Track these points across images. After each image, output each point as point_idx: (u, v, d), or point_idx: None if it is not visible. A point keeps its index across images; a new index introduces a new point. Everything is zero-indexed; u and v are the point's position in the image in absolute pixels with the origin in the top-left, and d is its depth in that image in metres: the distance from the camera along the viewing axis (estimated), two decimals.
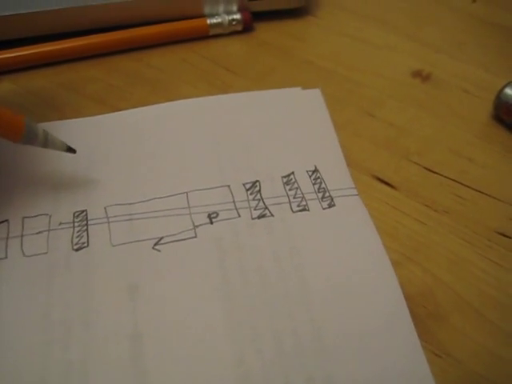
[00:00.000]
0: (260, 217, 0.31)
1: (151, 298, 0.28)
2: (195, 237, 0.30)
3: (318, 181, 0.32)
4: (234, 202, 0.31)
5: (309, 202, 0.31)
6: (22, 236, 0.30)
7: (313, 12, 0.45)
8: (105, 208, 0.31)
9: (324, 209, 0.31)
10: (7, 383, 0.25)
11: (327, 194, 0.32)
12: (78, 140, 0.34)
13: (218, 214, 0.31)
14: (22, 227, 0.31)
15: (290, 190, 0.32)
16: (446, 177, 0.34)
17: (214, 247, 0.30)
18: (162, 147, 0.34)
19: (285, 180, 0.32)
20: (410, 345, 0.26)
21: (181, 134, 0.35)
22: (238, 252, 0.29)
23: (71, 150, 0.31)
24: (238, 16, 0.42)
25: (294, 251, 0.29)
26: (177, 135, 0.35)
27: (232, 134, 0.35)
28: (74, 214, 0.31)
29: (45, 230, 0.31)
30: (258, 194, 0.32)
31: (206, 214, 0.31)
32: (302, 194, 0.32)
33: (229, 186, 0.32)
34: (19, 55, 0.39)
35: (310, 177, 0.33)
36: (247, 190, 0.32)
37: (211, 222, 0.31)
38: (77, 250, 0.30)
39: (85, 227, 0.31)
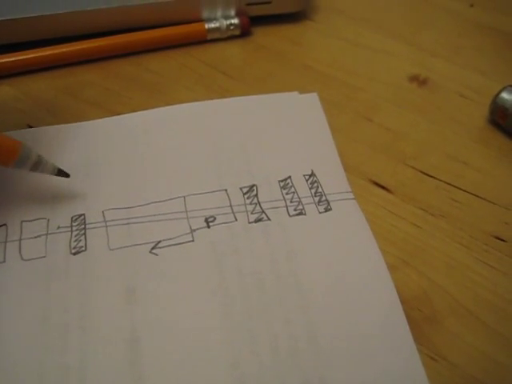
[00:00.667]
0: (257, 221, 0.31)
1: (148, 301, 0.28)
2: (192, 241, 0.30)
3: (315, 185, 0.33)
4: (231, 206, 0.32)
5: (305, 206, 0.32)
6: (20, 240, 0.30)
7: (310, 16, 0.45)
8: (103, 212, 0.32)
9: (320, 213, 0.31)
10: None
11: (324, 198, 0.32)
12: (76, 144, 0.34)
13: (215, 218, 0.31)
14: (21, 231, 0.31)
15: (286, 194, 0.32)
16: (442, 181, 0.34)
17: (211, 251, 0.30)
18: (159, 151, 0.34)
19: (282, 184, 0.33)
20: (405, 348, 0.26)
21: (178, 138, 0.35)
22: (235, 256, 0.29)
23: (63, 174, 0.31)
24: (235, 21, 0.42)
25: (291, 255, 0.29)
26: (174, 139, 0.35)
27: (229, 138, 0.35)
28: (72, 217, 0.31)
29: (43, 234, 0.31)
30: (255, 198, 0.32)
31: (203, 218, 0.31)
32: (299, 198, 0.32)
33: (226, 190, 0.32)
34: (18, 59, 0.40)
35: (307, 181, 0.33)
36: (244, 194, 0.32)
37: (208, 226, 0.31)
38: (75, 253, 0.30)
39: (83, 231, 0.31)
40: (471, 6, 0.47)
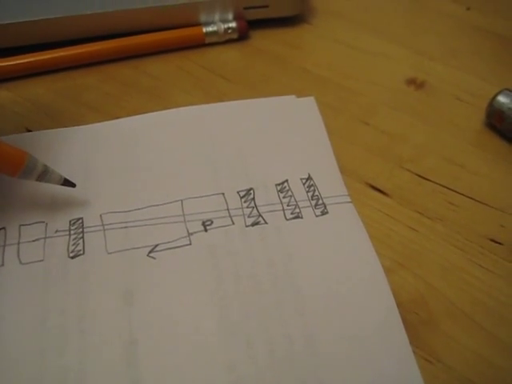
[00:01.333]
0: (254, 224, 0.31)
1: (146, 304, 0.28)
2: (190, 244, 0.30)
3: (312, 188, 0.33)
4: (228, 209, 0.32)
5: (302, 210, 0.32)
6: (18, 243, 0.31)
7: (308, 20, 0.46)
8: (100, 215, 0.32)
9: (317, 216, 0.31)
10: None
11: (320, 202, 0.32)
12: (74, 148, 0.35)
13: (212, 222, 0.31)
14: (19, 235, 0.31)
15: (283, 197, 0.32)
16: (438, 184, 0.34)
17: (208, 254, 0.30)
18: (157, 155, 0.34)
19: (279, 188, 0.33)
20: (401, 351, 0.27)
21: (176, 142, 0.35)
22: (232, 259, 0.30)
23: (70, 184, 0.32)
24: (233, 24, 0.42)
25: (287, 258, 0.30)
26: (172, 143, 0.35)
27: (227, 142, 0.35)
28: (70, 221, 0.32)
29: (41, 238, 0.31)
30: (252, 202, 0.32)
31: (201, 222, 0.31)
32: (296, 201, 0.32)
33: (223, 194, 0.32)
34: (16, 63, 0.40)
35: (304, 184, 0.33)
36: (241, 197, 0.32)
37: (205, 230, 0.31)
38: (73, 257, 0.30)
39: (81, 235, 0.31)
40: (468, 9, 0.47)
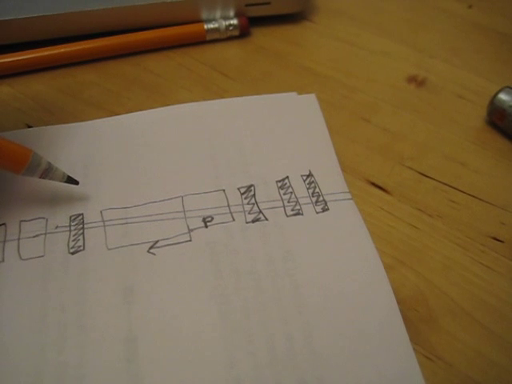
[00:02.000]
0: (254, 221, 0.31)
1: (146, 301, 0.28)
2: (190, 240, 0.30)
3: (313, 185, 0.33)
4: (228, 206, 0.32)
5: (303, 207, 0.32)
6: (19, 239, 0.31)
7: (309, 17, 0.46)
8: (101, 212, 0.32)
9: (318, 213, 0.31)
10: None
11: (321, 199, 0.32)
12: (75, 144, 0.35)
13: (212, 218, 0.31)
14: (19, 230, 0.31)
15: (284, 194, 0.32)
16: (439, 181, 0.34)
17: (208, 251, 0.30)
18: (158, 151, 0.34)
19: (279, 184, 0.33)
20: (401, 348, 0.27)
21: (177, 139, 0.35)
22: (233, 256, 0.30)
23: (73, 181, 0.32)
24: (234, 21, 0.42)
25: (288, 255, 0.30)
26: (173, 139, 0.35)
27: (227, 139, 0.35)
28: (70, 217, 0.32)
29: (41, 234, 0.31)
30: (253, 198, 0.32)
31: (201, 218, 0.31)
32: (296, 198, 0.32)
33: (224, 191, 0.32)
34: (17, 60, 0.40)
35: (305, 181, 0.33)
36: (242, 194, 0.32)
37: (206, 226, 0.31)
38: (73, 253, 0.30)
39: (81, 231, 0.31)
40: (470, 7, 0.47)
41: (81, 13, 0.40)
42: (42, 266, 0.30)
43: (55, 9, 0.40)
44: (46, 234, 0.31)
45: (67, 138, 0.35)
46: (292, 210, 0.32)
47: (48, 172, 0.31)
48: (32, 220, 0.31)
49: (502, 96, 0.36)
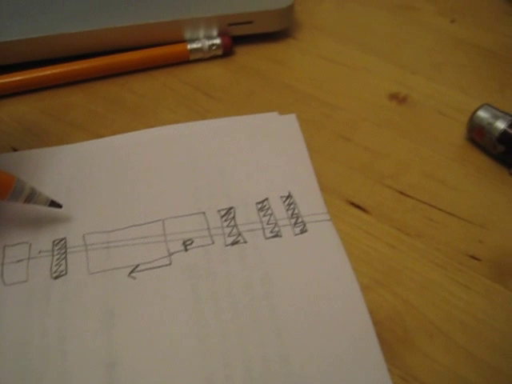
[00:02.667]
0: (233, 243, 0.31)
1: (126, 325, 0.29)
2: (170, 264, 0.31)
3: (292, 206, 0.33)
4: (208, 228, 0.32)
5: (282, 228, 0.32)
6: (2, 264, 0.31)
7: (293, 34, 0.46)
8: (83, 236, 0.32)
9: (296, 235, 0.32)
10: None
11: (300, 220, 0.32)
12: (59, 167, 0.35)
13: (192, 241, 0.32)
14: (3, 256, 0.31)
15: (263, 216, 0.33)
16: (418, 200, 0.34)
17: (187, 274, 0.30)
18: (140, 174, 0.35)
19: (259, 206, 0.33)
20: (376, 369, 0.27)
21: (159, 161, 0.35)
22: (211, 279, 0.30)
23: (56, 205, 0.32)
24: (218, 41, 0.43)
25: (266, 278, 0.30)
26: (155, 162, 0.35)
27: (208, 161, 0.35)
28: (53, 242, 0.32)
29: (25, 259, 0.31)
30: (233, 221, 0.32)
31: (181, 241, 0.32)
32: (276, 220, 0.32)
33: (204, 213, 0.33)
34: (2, 82, 0.40)
35: (284, 202, 0.33)
36: (222, 216, 0.33)
37: (186, 249, 0.31)
38: (56, 277, 0.30)
39: (64, 255, 0.31)
40: (452, 21, 0.47)
41: (64, 35, 0.41)
42: (25, 291, 0.30)
43: (38, 31, 0.40)
44: (29, 258, 0.31)
45: (51, 161, 0.36)
46: (271, 231, 0.32)
47: (32, 197, 0.31)
48: (16, 245, 0.32)
49: (481, 113, 0.37)
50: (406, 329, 0.29)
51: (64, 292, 0.30)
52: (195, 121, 0.38)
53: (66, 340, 0.28)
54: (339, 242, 0.31)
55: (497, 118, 0.36)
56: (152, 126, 0.38)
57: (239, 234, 0.32)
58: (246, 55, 0.44)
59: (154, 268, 0.31)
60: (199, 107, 0.40)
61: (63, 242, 0.32)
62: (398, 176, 0.36)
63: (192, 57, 0.43)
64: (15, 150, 0.37)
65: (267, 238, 0.32)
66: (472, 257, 0.32)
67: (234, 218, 0.32)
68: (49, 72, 0.41)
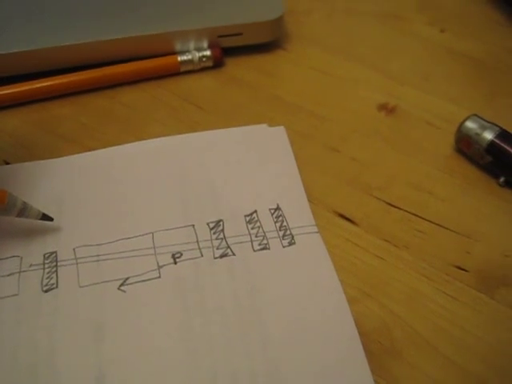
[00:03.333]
0: (222, 256, 0.32)
1: (115, 338, 0.29)
2: (159, 277, 0.31)
3: (280, 219, 0.33)
4: (197, 241, 0.32)
5: (270, 241, 0.32)
6: None
7: (283, 45, 0.46)
8: (74, 249, 0.32)
9: (284, 247, 0.32)
10: None
11: (288, 232, 0.33)
12: (50, 181, 0.36)
13: (181, 254, 0.32)
14: None
15: (252, 228, 0.33)
16: (406, 211, 0.35)
17: (176, 287, 0.31)
18: (130, 187, 0.35)
19: (248, 219, 0.33)
20: (363, 381, 0.27)
21: (148, 174, 0.36)
22: (200, 292, 0.30)
23: (47, 218, 0.32)
24: (208, 52, 0.43)
25: (253, 291, 0.30)
26: (144, 175, 0.36)
27: (197, 173, 0.36)
28: (44, 255, 0.32)
29: (16, 272, 0.32)
30: (222, 233, 0.33)
31: (171, 254, 0.32)
32: (264, 232, 0.33)
33: (193, 226, 0.33)
34: None
35: (272, 215, 0.34)
36: (211, 229, 0.33)
37: (175, 262, 0.32)
38: (46, 291, 0.31)
39: (54, 268, 0.32)
40: (442, 31, 0.48)
41: (54, 48, 0.41)
42: (15, 305, 0.30)
43: (28, 45, 0.41)
44: (20, 272, 0.32)
45: (43, 174, 0.36)
46: (259, 244, 0.32)
47: (24, 211, 0.31)
48: (7, 259, 0.32)
49: (469, 124, 0.37)
50: (393, 340, 0.29)
51: (54, 305, 0.30)
52: (185, 133, 0.38)
53: (55, 353, 0.28)
54: (326, 255, 0.32)
55: (484, 128, 0.36)
56: (142, 139, 0.38)
57: (228, 247, 0.32)
58: (236, 66, 0.44)
59: (144, 281, 0.31)
60: (189, 119, 0.40)
61: (54, 255, 0.32)
62: (386, 187, 0.36)
63: (182, 68, 0.43)
64: (7, 163, 0.37)
65: (256, 251, 0.32)
66: (459, 268, 0.32)
67: (222, 230, 0.33)
68: (39, 85, 0.41)
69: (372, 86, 0.43)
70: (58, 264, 0.32)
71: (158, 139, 0.38)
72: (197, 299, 0.30)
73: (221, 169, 0.36)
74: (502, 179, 0.36)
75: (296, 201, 0.34)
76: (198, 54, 0.43)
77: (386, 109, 0.41)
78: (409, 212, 0.35)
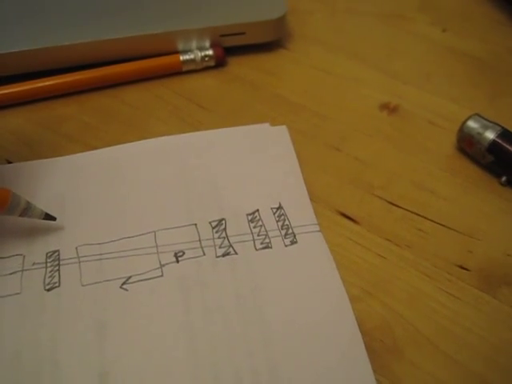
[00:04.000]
0: (224, 255, 0.32)
1: (118, 336, 0.29)
2: (162, 276, 0.31)
3: (282, 218, 0.33)
4: (199, 240, 0.33)
5: (272, 240, 0.32)
6: None
7: (285, 45, 0.46)
8: (76, 248, 0.32)
9: (286, 246, 0.32)
10: None
11: (290, 231, 0.33)
12: (53, 180, 0.36)
13: (184, 253, 0.32)
14: None
15: (254, 227, 0.33)
16: (408, 210, 0.35)
17: (179, 286, 0.31)
18: (133, 186, 0.35)
19: (250, 217, 0.33)
20: (364, 380, 0.27)
21: (151, 173, 0.36)
22: (202, 291, 0.30)
23: (50, 218, 0.33)
24: (210, 52, 0.43)
25: (256, 289, 0.30)
26: (147, 174, 0.36)
27: (200, 172, 0.36)
28: (46, 254, 0.32)
29: (18, 271, 0.32)
30: (224, 232, 0.33)
31: (173, 253, 0.32)
32: (266, 231, 0.33)
33: (195, 225, 0.33)
34: None
35: (274, 214, 0.34)
36: (213, 228, 0.33)
37: (177, 261, 0.32)
38: (49, 289, 0.31)
39: (57, 267, 0.32)
40: (444, 31, 0.48)
41: (57, 47, 0.41)
42: (18, 304, 0.30)
43: (31, 44, 0.41)
44: (22, 270, 0.32)
45: (45, 173, 0.36)
46: (261, 243, 0.32)
47: (27, 211, 0.32)
48: (9, 257, 0.32)
49: (471, 123, 0.37)
50: (394, 339, 0.29)
51: (57, 304, 0.30)
52: (187, 132, 0.38)
53: (58, 351, 0.29)
54: (328, 253, 0.32)
55: (486, 127, 0.36)
56: (145, 138, 0.38)
57: (230, 246, 0.32)
58: (239, 66, 0.44)
59: (146, 280, 0.31)
60: (191, 118, 0.40)
61: (56, 254, 0.32)
62: (388, 186, 0.36)
63: (185, 68, 0.43)
64: (9, 162, 0.37)
65: (258, 250, 0.32)
66: (461, 267, 0.32)
67: (225, 229, 0.33)
68: (42, 84, 0.41)
69: (374, 86, 0.43)
70: (61, 263, 0.32)
71: (161, 138, 0.38)
72: (199, 298, 0.30)
73: (223, 168, 0.36)
74: (503, 178, 0.36)
75: (298, 200, 0.34)
76: (200, 54, 0.43)
77: (388, 108, 0.41)
78: (411, 211, 0.35)
